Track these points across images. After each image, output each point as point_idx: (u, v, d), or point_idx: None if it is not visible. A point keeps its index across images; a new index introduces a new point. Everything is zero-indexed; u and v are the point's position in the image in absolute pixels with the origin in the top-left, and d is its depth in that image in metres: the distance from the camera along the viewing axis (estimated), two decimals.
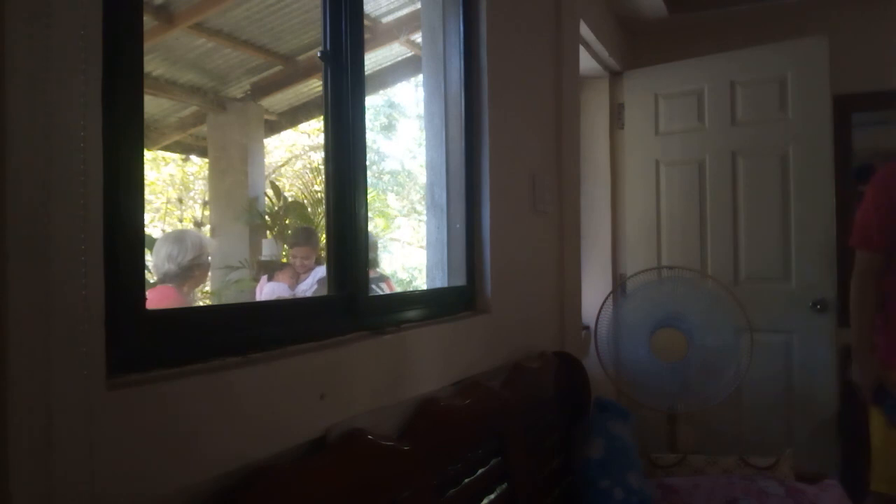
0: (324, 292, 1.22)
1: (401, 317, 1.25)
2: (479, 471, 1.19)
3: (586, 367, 1.86)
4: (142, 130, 0.74)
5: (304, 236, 3.88)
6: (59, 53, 0.60)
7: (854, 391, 1.89)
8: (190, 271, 2.46)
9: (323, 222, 3.02)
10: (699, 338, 2.18)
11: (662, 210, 2.91)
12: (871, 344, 1.83)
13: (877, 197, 1.85)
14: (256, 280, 5.06)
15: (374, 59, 5.01)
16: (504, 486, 1.25)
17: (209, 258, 2.74)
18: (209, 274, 2.86)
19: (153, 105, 4.97)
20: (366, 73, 1.17)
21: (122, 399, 0.65)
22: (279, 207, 5.56)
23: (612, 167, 3.04)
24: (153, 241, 2.88)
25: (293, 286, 3.63)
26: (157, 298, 2.33)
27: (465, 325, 1.44)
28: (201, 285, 2.68)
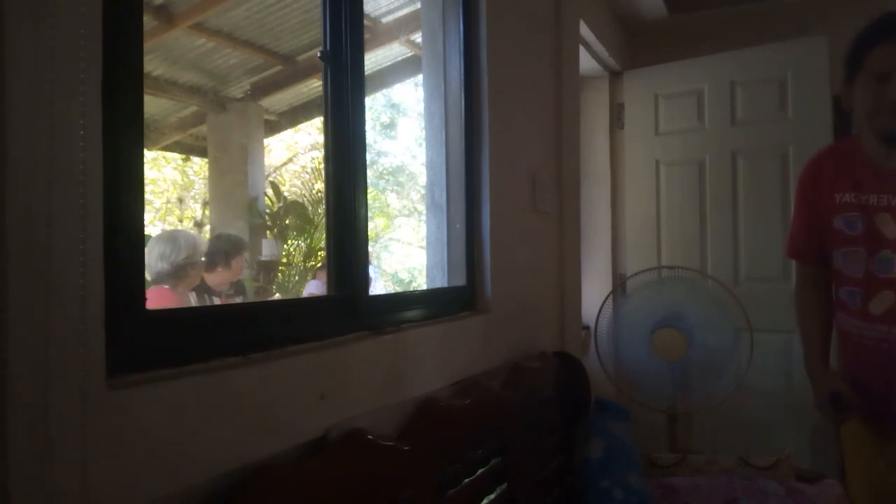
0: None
1: (401, 317, 1.25)
2: (479, 471, 1.18)
3: (586, 367, 1.86)
4: (142, 130, 0.74)
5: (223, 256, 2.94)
6: (59, 53, 0.60)
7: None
8: (184, 271, 2.45)
9: (323, 222, 3.01)
10: (699, 338, 2.17)
11: (662, 210, 2.90)
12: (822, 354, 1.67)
13: (798, 206, 1.70)
14: (257, 280, 5.07)
15: (374, 59, 5.01)
16: (504, 486, 1.25)
17: (202, 258, 2.73)
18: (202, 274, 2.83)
19: (153, 105, 4.98)
20: (366, 73, 1.17)
21: (122, 399, 0.65)
22: (279, 207, 5.57)
23: (612, 167, 3.03)
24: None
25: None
26: (152, 299, 2.32)
27: (465, 325, 1.44)
28: (195, 285, 2.67)
